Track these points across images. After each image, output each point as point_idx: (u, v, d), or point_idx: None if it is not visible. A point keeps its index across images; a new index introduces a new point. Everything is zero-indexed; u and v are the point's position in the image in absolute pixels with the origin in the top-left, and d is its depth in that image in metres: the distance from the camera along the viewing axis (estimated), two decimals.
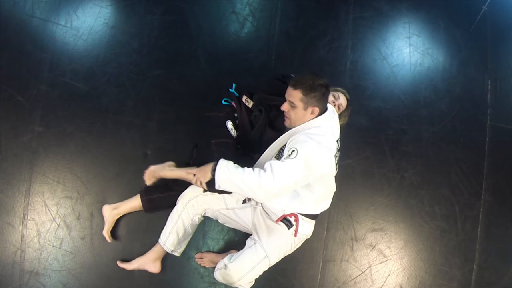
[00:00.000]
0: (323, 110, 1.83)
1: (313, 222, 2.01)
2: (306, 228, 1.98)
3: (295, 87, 1.75)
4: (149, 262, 2.12)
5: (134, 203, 2.13)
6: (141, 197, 2.12)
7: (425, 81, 2.60)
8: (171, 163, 2.11)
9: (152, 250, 2.11)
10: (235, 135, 2.04)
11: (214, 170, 1.71)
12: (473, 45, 2.68)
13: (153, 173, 2.09)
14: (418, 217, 2.45)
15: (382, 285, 2.39)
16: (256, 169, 1.70)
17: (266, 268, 1.95)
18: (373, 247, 2.40)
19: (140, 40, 2.37)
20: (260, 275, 1.96)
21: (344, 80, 2.50)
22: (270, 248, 1.92)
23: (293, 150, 1.70)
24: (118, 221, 2.19)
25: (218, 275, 1.98)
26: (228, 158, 1.81)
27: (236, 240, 2.26)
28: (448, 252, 2.44)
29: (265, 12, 2.53)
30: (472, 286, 2.44)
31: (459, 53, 2.67)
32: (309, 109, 1.78)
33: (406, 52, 2.63)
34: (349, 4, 2.61)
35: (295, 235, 1.95)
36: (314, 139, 1.74)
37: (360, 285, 2.37)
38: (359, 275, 2.37)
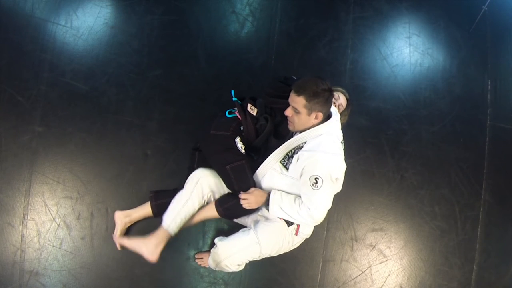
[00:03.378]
0: (327, 114, 1.84)
1: None
2: (308, 228, 1.99)
3: (298, 93, 1.75)
4: (148, 247, 1.96)
5: (146, 210, 2.12)
6: (150, 202, 2.11)
7: (425, 81, 2.60)
8: None
9: (154, 234, 1.97)
10: (244, 151, 2.02)
11: (267, 200, 1.86)
12: (473, 45, 2.69)
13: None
14: (418, 217, 2.45)
15: (382, 285, 2.39)
16: (302, 206, 1.79)
17: (256, 256, 1.91)
18: (373, 247, 2.40)
19: (140, 40, 2.37)
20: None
21: (344, 80, 2.50)
22: (263, 236, 1.90)
23: (317, 178, 1.74)
24: None
25: (210, 259, 1.98)
26: (245, 179, 1.93)
27: None
28: (448, 252, 2.44)
29: (265, 12, 2.53)
30: (472, 286, 2.45)
31: (459, 53, 2.67)
32: (313, 115, 1.78)
33: (406, 52, 2.63)
34: (349, 4, 2.61)
35: (296, 234, 1.95)
36: (328, 151, 1.76)
37: (360, 285, 2.37)
38: (359, 275, 2.37)
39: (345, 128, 2.06)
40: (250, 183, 1.95)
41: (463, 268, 2.45)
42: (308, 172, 1.76)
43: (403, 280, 2.40)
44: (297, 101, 1.76)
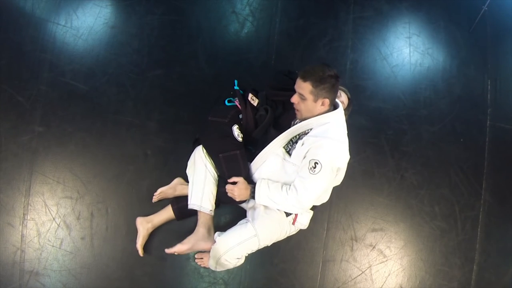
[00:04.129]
0: (334, 102, 1.85)
1: (311, 212, 2.01)
2: (305, 217, 1.99)
3: (305, 79, 1.75)
4: (201, 239, 1.98)
5: (168, 213, 2.12)
6: (172, 206, 2.11)
7: (425, 81, 2.60)
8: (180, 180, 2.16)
9: (197, 225, 2.00)
10: (241, 139, 2.00)
11: (253, 193, 1.87)
12: (473, 45, 2.69)
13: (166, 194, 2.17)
14: (418, 217, 2.45)
15: (382, 285, 2.39)
16: (289, 191, 1.79)
17: (255, 248, 1.90)
18: (373, 247, 2.40)
19: (140, 40, 2.37)
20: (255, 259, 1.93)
21: (344, 80, 2.50)
22: (261, 228, 1.89)
23: (316, 163, 1.73)
24: (118, 221, 2.19)
25: (210, 258, 1.96)
26: (237, 171, 1.92)
27: None
28: (448, 252, 2.44)
29: (265, 12, 2.53)
30: (472, 286, 2.44)
31: (459, 53, 2.67)
32: (319, 101, 1.79)
33: (406, 52, 2.63)
34: (349, 4, 2.61)
35: (293, 223, 1.96)
36: (334, 138, 1.77)
37: (360, 285, 2.37)
38: (359, 275, 2.37)
39: None
40: (242, 175, 1.93)
41: (463, 268, 2.45)
42: (310, 155, 1.76)
43: (403, 280, 2.40)
44: (304, 87, 1.76)
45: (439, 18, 2.68)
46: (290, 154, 1.86)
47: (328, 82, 1.75)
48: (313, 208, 1.99)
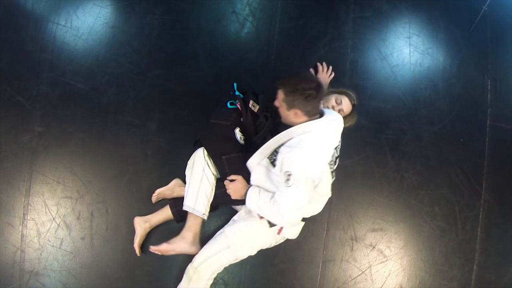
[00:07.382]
0: (312, 114, 1.77)
1: (301, 223, 1.99)
2: (292, 230, 1.97)
3: (279, 87, 1.76)
4: (187, 243, 1.99)
5: (166, 214, 2.12)
6: (171, 208, 2.11)
7: (425, 81, 2.60)
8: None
9: (186, 227, 2.01)
10: (243, 142, 2.01)
11: (245, 195, 1.85)
12: (473, 45, 2.68)
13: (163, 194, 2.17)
14: (418, 217, 2.45)
15: (382, 285, 2.39)
16: (275, 203, 1.73)
17: (232, 259, 1.89)
18: (373, 247, 2.40)
19: (140, 40, 2.37)
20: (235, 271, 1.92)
21: (344, 80, 2.50)
22: (234, 240, 1.88)
23: (289, 174, 1.66)
24: (118, 221, 2.19)
25: (188, 267, 1.97)
26: (239, 172, 1.91)
27: None
28: (448, 252, 2.44)
29: (265, 12, 2.53)
30: (472, 286, 2.44)
31: (459, 53, 2.66)
32: (292, 111, 1.74)
33: (406, 52, 2.63)
34: (349, 4, 2.60)
35: (279, 233, 1.93)
36: (307, 148, 1.70)
37: (360, 285, 2.37)
38: (359, 275, 2.37)
39: (345, 128, 2.06)
40: (244, 176, 1.93)
41: (463, 268, 2.45)
42: (284, 167, 1.70)
43: (403, 280, 2.40)
44: (278, 94, 1.77)
45: (439, 18, 2.68)
46: (274, 165, 1.80)
47: (299, 95, 1.69)
48: (303, 220, 1.97)
